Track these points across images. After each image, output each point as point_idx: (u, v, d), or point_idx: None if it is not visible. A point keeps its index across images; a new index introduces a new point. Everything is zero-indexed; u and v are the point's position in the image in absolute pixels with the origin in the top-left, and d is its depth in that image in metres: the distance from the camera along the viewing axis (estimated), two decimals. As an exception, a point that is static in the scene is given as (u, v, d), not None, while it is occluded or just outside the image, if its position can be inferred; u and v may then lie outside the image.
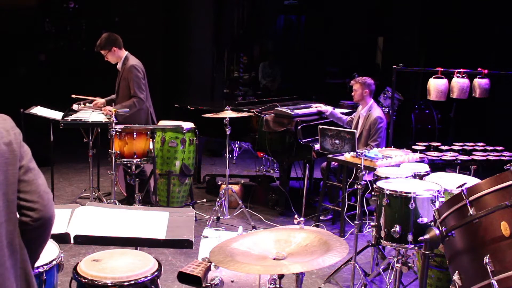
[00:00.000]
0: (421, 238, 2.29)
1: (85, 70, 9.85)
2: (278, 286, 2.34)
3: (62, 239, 2.47)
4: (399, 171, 3.93)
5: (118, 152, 4.71)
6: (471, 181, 3.60)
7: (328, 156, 4.69)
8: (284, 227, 2.58)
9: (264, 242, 2.29)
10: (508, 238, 2.18)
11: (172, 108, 6.51)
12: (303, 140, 5.56)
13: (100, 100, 5.54)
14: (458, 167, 4.68)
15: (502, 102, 7.43)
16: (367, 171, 3.88)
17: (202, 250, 2.70)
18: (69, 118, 5.14)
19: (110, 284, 2.27)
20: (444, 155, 4.62)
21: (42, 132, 5.59)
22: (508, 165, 2.38)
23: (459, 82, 4.90)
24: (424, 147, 4.78)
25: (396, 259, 3.40)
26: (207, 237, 2.79)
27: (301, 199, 5.20)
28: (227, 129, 5.11)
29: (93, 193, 5.59)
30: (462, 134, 7.00)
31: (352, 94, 5.52)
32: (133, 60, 5.32)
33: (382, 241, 3.34)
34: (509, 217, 2.20)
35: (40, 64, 10.53)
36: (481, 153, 4.68)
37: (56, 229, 2.52)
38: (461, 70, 4.94)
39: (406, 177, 3.72)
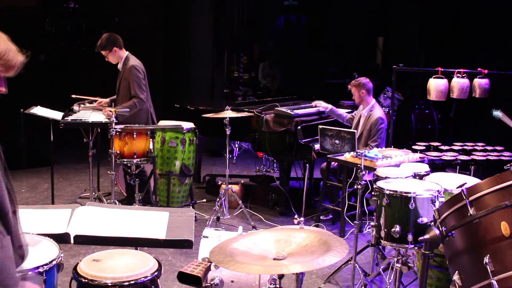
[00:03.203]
0: (421, 238, 2.29)
1: (85, 70, 9.84)
2: (278, 286, 2.34)
3: (62, 239, 2.47)
4: (399, 171, 3.92)
5: (118, 152, 4.71)
6: (471, 181, 3.60)
7: (328, 156, 4.69)
8: (284, 227, 2.58)
9: (264, 242, 2.29)
10: (508, 238, 2.18)
11: (172, 108, 6.51)
12: (303, 140, 5.56)
13: (104, 100, 5.55)
14: (458, 167, 4.67)
15: (502, 102, 7.42)
16: (367, 171, 3.88)
17: (202, 250, 2.70)
18: (69, 118, 5.14)
19: (110, 284, 2.26)
20: (444, 155, 4.62)
21: (42, 132, 5.59)
22: (508, 165, 2.39)
23: (459, 82, 4.90)
24: (424, 147, 4.78)
25: (396, 259, 3.40)
26: (207, 237, 2.78)
27: (301, 199, 5.20)
28: (227, 129, 5.11)
29: (93, 193, 5.59)
30: (462, 134, 7.00)
31: (353, 98, 5.54)
32: (134, 61, 5.31)
33: (382, 241, 3.34)
34: (509, 217, 2.19)
35: (40, 64, 10.52)
36: (481, 153, 4.68)
37: (56, 229, 2.53)
38: (461, 70, 4.94)
39: (406, 177, 3.71)
